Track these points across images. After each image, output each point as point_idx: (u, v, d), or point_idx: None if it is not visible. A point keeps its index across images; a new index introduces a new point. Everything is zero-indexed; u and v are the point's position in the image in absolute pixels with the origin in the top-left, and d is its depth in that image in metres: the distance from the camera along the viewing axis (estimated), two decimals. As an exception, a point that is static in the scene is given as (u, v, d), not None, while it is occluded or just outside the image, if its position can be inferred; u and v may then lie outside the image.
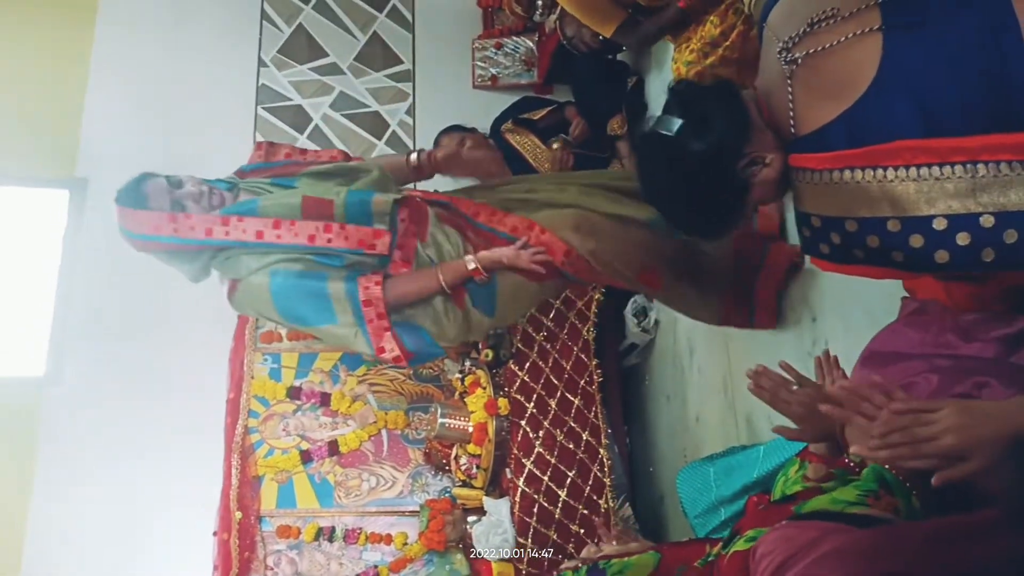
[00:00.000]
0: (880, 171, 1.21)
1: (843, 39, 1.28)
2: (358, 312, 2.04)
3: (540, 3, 3.87)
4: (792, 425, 1.53)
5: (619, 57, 3.58)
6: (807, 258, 1.61)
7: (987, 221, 1.16)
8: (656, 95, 3.43)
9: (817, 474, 1.66)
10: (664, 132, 1.40)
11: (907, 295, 1.59)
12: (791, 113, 1.33)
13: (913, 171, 1.19)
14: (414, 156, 2.29)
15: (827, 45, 1.29)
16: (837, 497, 1.48)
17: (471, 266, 2.15)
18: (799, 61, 1.32)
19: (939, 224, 1.18)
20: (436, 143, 3.57)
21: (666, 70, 3.07)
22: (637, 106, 3.49)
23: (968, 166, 1.16)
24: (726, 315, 2.45)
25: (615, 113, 3.45)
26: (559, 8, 3.30)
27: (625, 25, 2.65)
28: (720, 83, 1.50)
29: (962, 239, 1.17)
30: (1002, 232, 1.16)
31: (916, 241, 1.20)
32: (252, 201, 2.07)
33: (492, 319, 2.28)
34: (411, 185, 2.51)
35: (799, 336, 2.36)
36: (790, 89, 1.33)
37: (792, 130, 1.33)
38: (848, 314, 2.15)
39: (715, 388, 2.87)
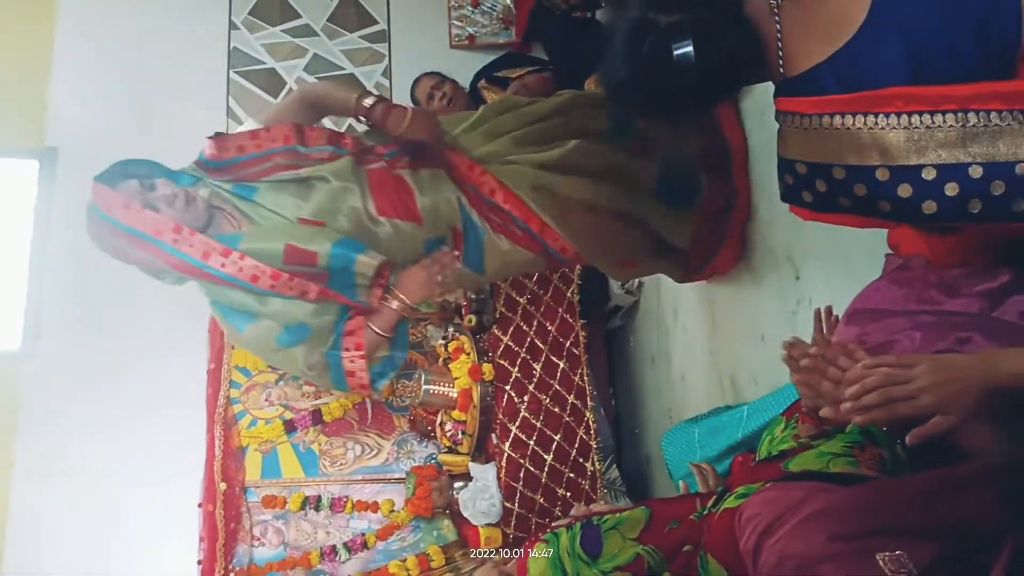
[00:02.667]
0: (871, 118, 1.18)
1: None
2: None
3: (517, -41, 3.78)
4: (773, 402, 1.51)
5: (596, 15, 3.51)
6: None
7: (976, 172, 1.14)
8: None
9: (808, 433, 1.66)
10: (673, 49, 1.28)
11: (891, 252, 1.56)
12: (779, 52, 1.29)
13: (904, 119, 1.17)
14: (367, 102, 2.04)
15: None
16: (824, 450, 1.48)
17: (395, 305, 2.05)
18: None
19: (928, 174, 1.16)
20: (414, 84, 3.53)
21: (646, 26, 3.01)
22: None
23: (959, 115, 1.14)
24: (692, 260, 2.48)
25: (591, 73, 3.39)
26: (536, -37, 3.23)
27: (602, -19, 2.60)
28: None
29: (950, 189, 1.16)
30: (990, 183, 1.14)
31: (904, 191, 1.18)
32: (234, 237, 1.96)
33: (482, 276, 2.23)
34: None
35: (782, 295, 2.34)
36: (778, 26, 1.29)
37: (780, 69, 1.30)
38: (831, 272, 2.13)
39: (700, 348, 2.86)
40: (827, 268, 2.15)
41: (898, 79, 1.18)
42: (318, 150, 2.05)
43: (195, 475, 3.11)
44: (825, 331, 1.64)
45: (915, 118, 1.16)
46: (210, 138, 2.02)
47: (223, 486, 3.08)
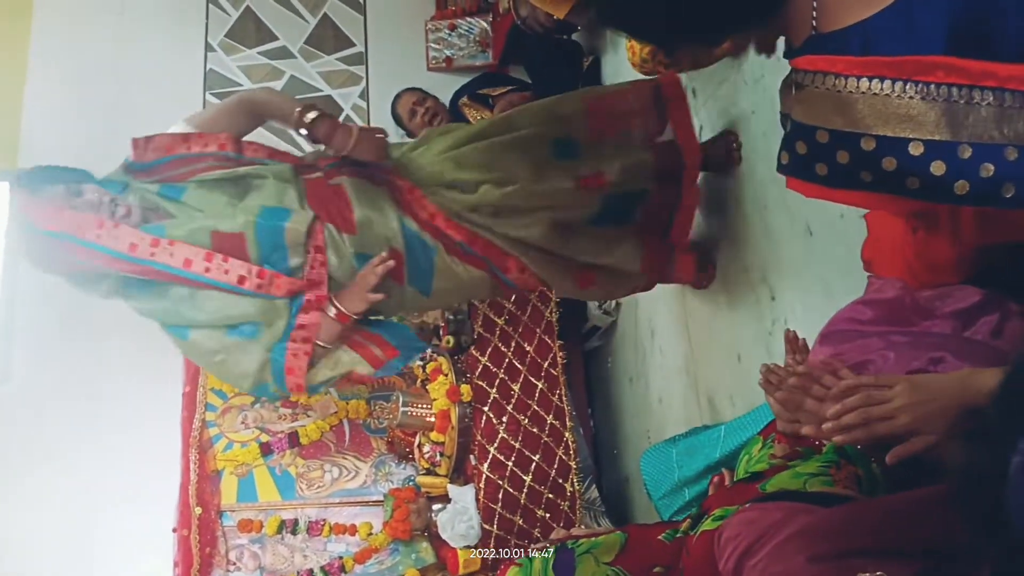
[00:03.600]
0: (911, 86, 1.10)
1: None
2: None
3: (493, -18, 3.82)
4: (751, 421, 1.52)
5: (574, 37, 3.55)
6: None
7: (1011, 154, 1.08)
8: (611, 74, 3.41)
9: (784, 453, 1.67)
10: None
11: (871, 275, 1.59)
12: (815, 3, 1.17)
13: (944, 90, 1.09)
14: (309, 117, 1.96)
15: None
16: (800, 471, 1.49)
17: (332, 312, 1.99)
18: None
19: (964, 152, 1.09)
20: (396, 100, 3.54)
21: (621, 50, 3.04)
22: (593, 85, 3.47)
23: (997, 92, 1.08)
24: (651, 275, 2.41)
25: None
26: (513, -13, 3.26)
27: (578, 6, 2.62)
28: None
29: (985, 171, 1.09)
30: None
31: (938, 168, 1.10)
32: (159, 227, 1.88)
33: (427, 299, 2.16)
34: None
35: (758, 316, 2.36)
36: None
37: (813, 24, 1.17)
38: (806, 292, 2.15)
39: (677, 369, 2.87)
40: (802, 288, 2.17)
41: (939, 46, 1.10)
42: (255, 160, 1.99)
43: (170, 499, 3.07)
44: (794, 354, 1.66)
45: (954, 90, 1.09)
46: (135, 139, 1.94)
47: (198, 510, 3.04)
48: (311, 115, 1.97)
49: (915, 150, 1.11)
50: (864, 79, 1.12)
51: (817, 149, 1.18)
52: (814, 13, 1.17)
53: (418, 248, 2.08)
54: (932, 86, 1.10)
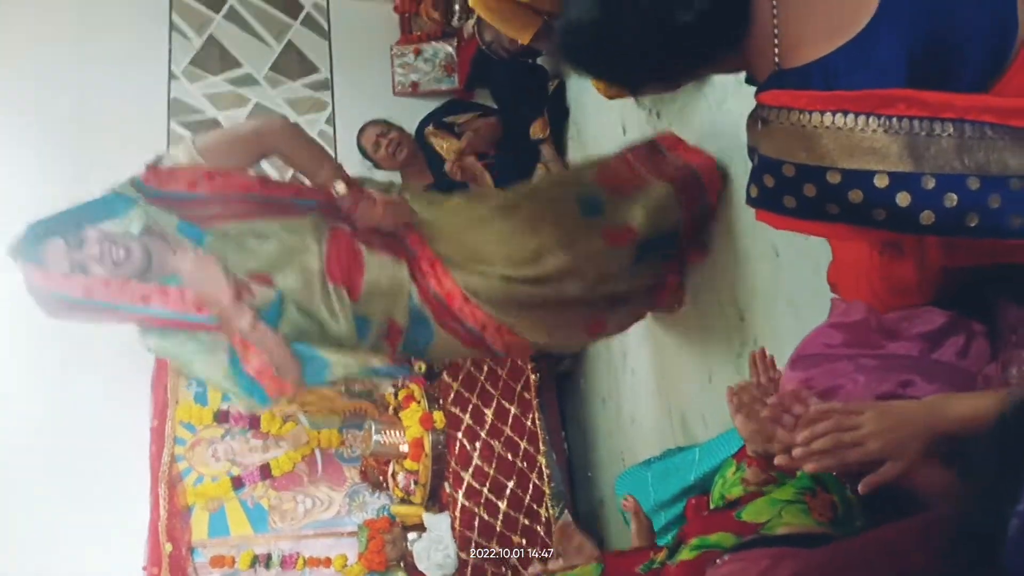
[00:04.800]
0: (874, 119, 1.11)
1: None
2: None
3: (457, 8, 3.83)
4: (728, 440, 1.52)
5: (539, 61, 3.57)
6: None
7: (973, 184, 1.10)
8: (577, 98, 3.43)
9: (756, 478, 1.67)
10: None
11: (835, 296, 1.60)
12: (776, 40, 1.19)
13: (906, 123, 1.11)
14: (338, 189, 1.97)
15: None
16: (775, 497, 1.48)
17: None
18: None
19: (927, 183, 1.11)
20: (360, 132, 3.52)
21: (586, 73, 3.06)
22: (559, 110, 3.49)
23: (956, 124, 1.11)
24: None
25: (537, 117, 3.44)
26: (476, 13, 3.27)
27: (542, 31, 2.64)
28: None
29: (949, 200, 1.10)
30: (987, 196, 1.10)
31: (903, 199, 1.11)
32: (170, 279, 1.87)
33: (423, 356, 2.24)
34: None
35: (728, 337, 2.37)
36: (775, 11, 1.19)
37: (776, 60, 1.19)
38: (775, 313, 2.17)
39: (649, 390, 2.88)
40: (771, 309, 2.19)
41: (900, 80, 1.12)
42: (279, 200, 1.97)
43: (139, 537, 3.01)
44: (763, 374, 1.67)
45: (916, 123, 1.11)
46: (153, 165, 1.89)
47: (168, 547, 2.99)
48: (340, 187, 1.97)
49: (880, 182, 1.12)
50: (828, 113, 1.13)
51: (784, 182, 1.19)
52: (776, 50, 1.19)
53: (418, 323, 2.07)
54: (894, 119, 1.11)
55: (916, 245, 1.39)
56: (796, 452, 1.14)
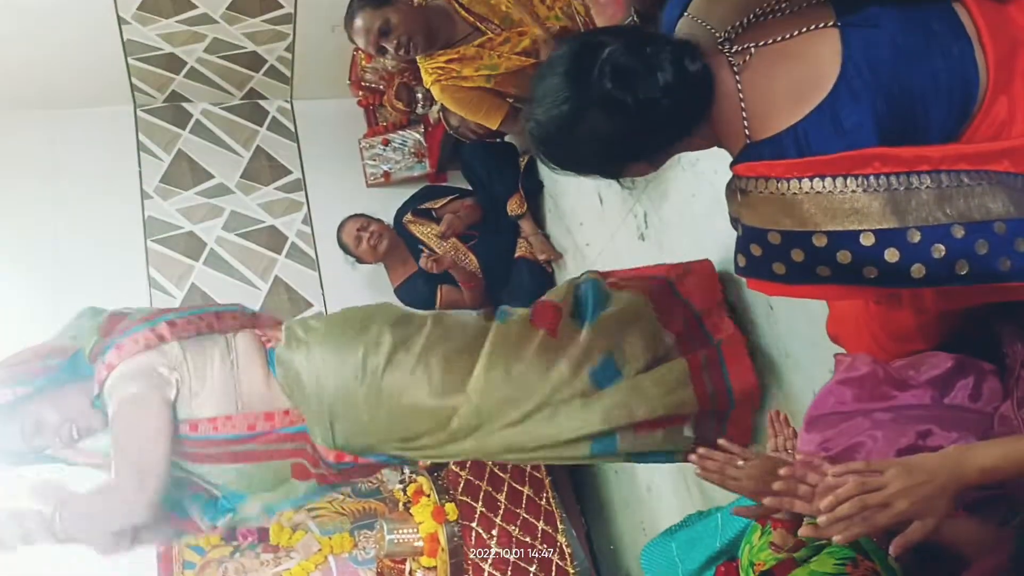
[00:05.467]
0: (851, 180, 1.13)
1: (798, 32, 1.20)
2: None
3: (420, 96, 3.88)
4: (750, 502, 1.48)
5: (507, 139, 3.61)
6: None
7: (958, 232, 1.12)
8: (550, 172, 3.45)
9: (785, 542, 1.63)
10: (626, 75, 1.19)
11: (839, 353, 1.59)
12: (744, 114, 1.21)
13: (883, 180, 1.12)
14: None
15: (780, 38, 1.20)
16: (815, 569, 1.44)
17: None
18: (752, 52, 1.22)
19: (913, 236, 1.12)
20: (340, 229, 3.53)
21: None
22: (533, 184, 3.52)
23: (933, 175, 1.12)
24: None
25: (512, 194, 3.47)
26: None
27: (509, 115, 2.67)
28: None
29: (937, 251, 1.12)
30: (974, 243, 1.12)
31: (892, 255, 1.13)
32: None
33: None
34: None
35: (733, 393, 2.35)
36: (739, 86, 1.21)
37: (746, 133, 1.21)
38: (776, 368, 2.16)
39: (660, 455, 2.83)
40: (771, 364, 2.17)
41: (871, 140, 1.14)
42: None
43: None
44: (779, 434, 1.64)
45: (893, 179, 1.12)
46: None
47: None
48: None
49: (866, 240, 1.13)
50: (805, 179, 1.15)
51: (771, 250, 1.20)
52: (745, 122, 1.21)
53: None
54: (871, 178, 1.13)
55: (911, 293, 1.38)
56: (821, 520, 1.11)
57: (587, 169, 1.35)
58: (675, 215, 2.57)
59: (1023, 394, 1.37)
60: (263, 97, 4.22)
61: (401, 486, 3.09)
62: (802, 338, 2.02)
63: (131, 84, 3.96)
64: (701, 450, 1.46)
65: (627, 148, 1.28)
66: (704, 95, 1.24)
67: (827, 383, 1.51)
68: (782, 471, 1.22)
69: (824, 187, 1.14)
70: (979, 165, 1.15)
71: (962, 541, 1.22)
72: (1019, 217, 1.14)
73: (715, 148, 1.35)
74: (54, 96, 3.85)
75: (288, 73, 4.13)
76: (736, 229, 1.29)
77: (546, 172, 3.50)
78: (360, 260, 3.55)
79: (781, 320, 2.12)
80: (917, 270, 1.13)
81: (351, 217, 3.57)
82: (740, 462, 1.46)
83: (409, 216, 3.63)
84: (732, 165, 1.25)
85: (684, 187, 2.48)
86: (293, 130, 4.21)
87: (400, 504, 3.09)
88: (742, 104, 1.22)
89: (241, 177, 4.04)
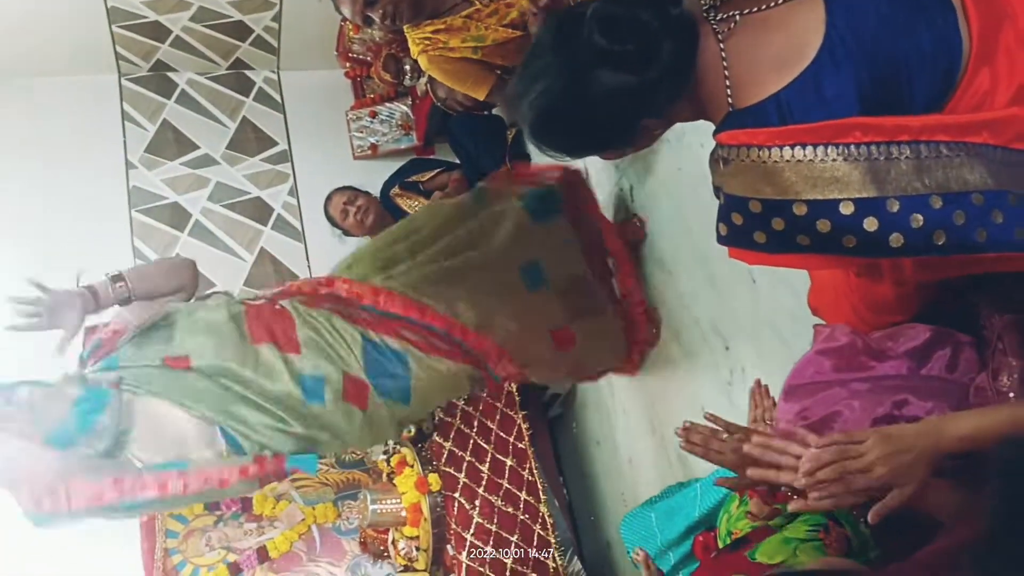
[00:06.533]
0: (832, 149, 1.13)
1: (783, 0, 1.20)
2: None
3: (408, 68, 3.85)
4: (731, 474, 1.50)
5: (495, 112, 3.59)
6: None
7: (936, 202, 1.12)
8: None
9: (761, 511, 1.66)
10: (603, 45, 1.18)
11: (818, 323, 1.60)
12: (727, 82, 1.21)
13: (864, 150, 1.13)
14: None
15: (765, 6, 1.21)
16: (788, 535, 1.47)
17: None
18: (736, 20, 1.22)
19: (892, 206, 1.13)
20: (327, 202, 3.51)
21: (543, 120, 3.08)
22: (520, 157, 3.50)
23: (912, 146, 1.13)
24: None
25: (499, 167, 3.45)
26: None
27: (497, 86, 2.65)
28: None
29: (915, 221, 1.12)
30: (951, 213, 1.13)
31: (871, 224, 1.13)
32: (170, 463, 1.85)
33: (408, 407, 2.12)
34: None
35: (715, 366, 2.37)
36: (724, 54, 1.21)
37: (729, 101, 1.21)
38: (758, 339, 2.17)
39: (642, 428, 2.86)
40: (754, 335, 2.19)
41: (852, 109, 1.14)
42: None
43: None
44: (759, 404, 1.66)
45: (873, 148, 1.13)
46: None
47: (171, 647, 2.89)
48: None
49: (846, 209, 1.14)
50: (787, 148, 1.15)
51: (752, 219, 1.20)
52: (728, 91, 1.21)
53: (387, 359, 2.05)
54: (852, 147, 1.13)
55: (891, 264, 1.40)
56: (801, 482, 1.13)
57: (596, 143, 1.33)
58: (660, 188, 2.58)
59: (998, 365, 1.39)
60: (249, 67, 4.18)
61: (385, 457, 3.10)
62: (785, 310, 2.04)
63: (115, 52, 3.92)
64: (686, 423, 1.47)
65: (643, 101, 1.25)
66: (691, 40, 1.23)
67: (806, 353, 1.52)
68: (757, 439, 1.22)
69: (805, 155, 1.15)
70: (958, 136, 1.16)
71: (939, 510, 1.24)
72: (996, 189, 1.15)
73: (700, 122, 1.35)
74: (36, 63, 3.80)
75: (275, 43, 4.09)
76: (718, 198, 1.29)
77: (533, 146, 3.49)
78: (347, 233, 3.54)
79: (764, 292, 2.13)
80: (895, 239, 1.14)
81: (338, 190, 3.55)
82: (724, 435, 1.47)
83: (396, 189, 3.62)
84: (715, 133, 1.24)
85: (670, 161, 2.48)
86: (280, 101, 4.18)
87: (383, 475, 3.10)
88: (726, 72, 1.22)
89: (227, 148, 4.02)
